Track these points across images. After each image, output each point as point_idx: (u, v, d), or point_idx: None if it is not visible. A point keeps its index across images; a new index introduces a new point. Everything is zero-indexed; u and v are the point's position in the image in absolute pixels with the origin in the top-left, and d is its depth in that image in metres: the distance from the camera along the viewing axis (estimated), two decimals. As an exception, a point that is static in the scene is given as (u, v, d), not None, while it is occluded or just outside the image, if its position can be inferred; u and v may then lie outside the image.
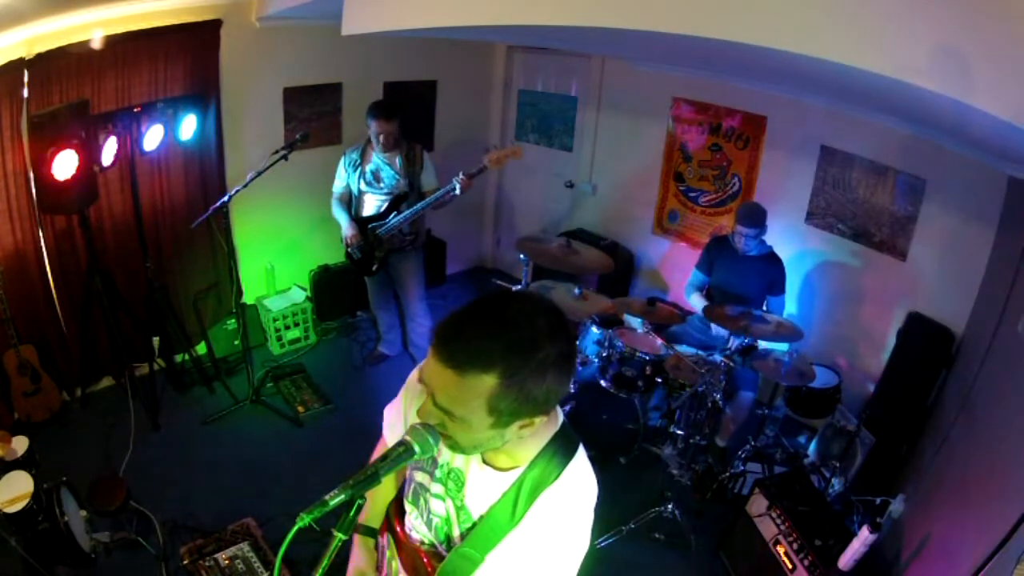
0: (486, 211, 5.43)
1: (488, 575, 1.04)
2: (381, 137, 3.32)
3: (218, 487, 2.92)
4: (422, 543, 1.17)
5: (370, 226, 3.48)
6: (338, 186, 3.56)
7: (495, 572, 1.04)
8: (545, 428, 1.02)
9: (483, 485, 1.06)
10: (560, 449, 1.04)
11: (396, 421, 1.29)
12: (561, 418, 1.08)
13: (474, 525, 1.06)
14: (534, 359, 0.89)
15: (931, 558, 2.06)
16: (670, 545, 2.78)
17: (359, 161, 3.45)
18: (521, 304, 0.92)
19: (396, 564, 1.23)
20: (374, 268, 3.60)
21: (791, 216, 3.58)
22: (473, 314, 0.91)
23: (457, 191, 3.27)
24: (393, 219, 3.43)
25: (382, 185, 3.45)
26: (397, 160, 3.42)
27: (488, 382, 0.87)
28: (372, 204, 3.49)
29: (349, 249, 3.57)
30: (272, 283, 4.22)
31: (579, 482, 1.04)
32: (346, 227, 3.50)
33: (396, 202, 3.44)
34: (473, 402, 0.89)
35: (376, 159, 3.42)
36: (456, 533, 1.10)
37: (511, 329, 0.89)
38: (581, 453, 1.07)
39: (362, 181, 3.45)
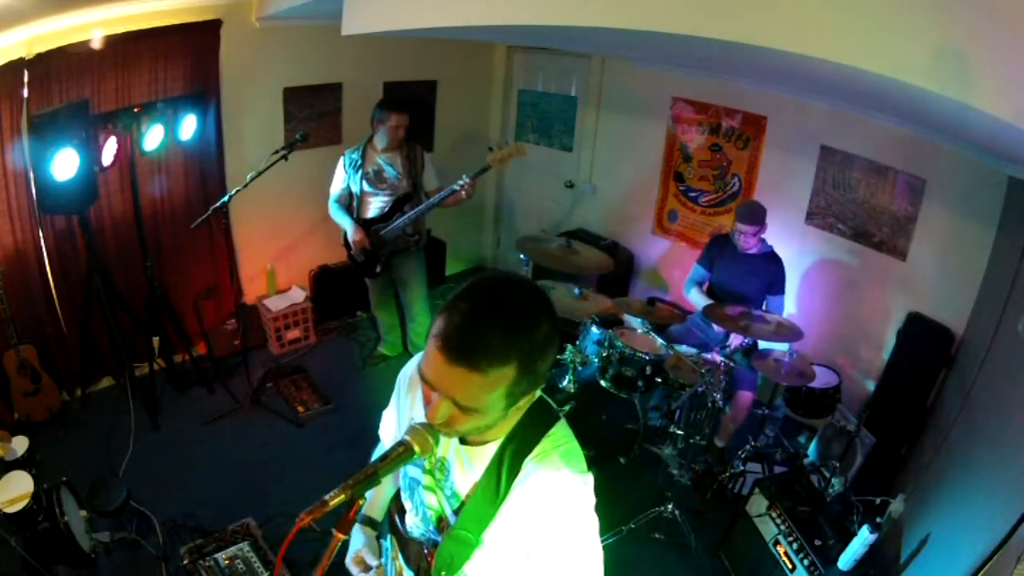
0: (486, 211, 5.43)
1: (492, 554, 1.03)
2: (400, 131, 3.31)
3: (218, 487, 2.93)
4: (422, 537, 1.17)
5: (374, 228, 3.45)
6: (337, 188, 3.51)
7: (499, 550, 1.03)
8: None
9: (466, 466, 1.06)
10: (537, 418, 1.05)
11: (391, 420, 1.29)
12: (538, 391, 1.07)
13: (462, 505, 1.06)
14: (538, 338, 0.91)
15: (931, 558, 2.06)
16: (670, 545, 2.78)
17: (360, 161, 3.40)
18: (511, 287, 0.94)
19: (399, 562, 1.23)
20: (377, 270, 3.57)
21: (791, 216, 3.58)
22: (475, 310, 0.90)
23: (462, 195, 3.26)
24: (397, 220, 3.41)
25: (384, 186, 3.42)
26: (399, 160, 3.40)
27: (508, 373, 0.89)
28: (375, 205, 3.46)
29: (353, 252, 3.53)
30: (272, 283, 4.22)
31: (560, 447, 1.04)
32: (352, 231, 3.43)
33: (400, 203, 3.42)
34: (494, 393, 0.91)
35: (378, 159, 3.39)
36: (448, 517, 1.10)
37: (515, 316, 0.91)
38: (561, 423, 1.07)
39: (364, 182, 3.41)
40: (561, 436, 1.06)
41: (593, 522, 1.03)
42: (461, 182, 3.23)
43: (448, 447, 1.09)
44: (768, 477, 2.87)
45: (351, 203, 3.52)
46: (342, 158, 3.48)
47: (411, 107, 3.39)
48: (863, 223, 3.34)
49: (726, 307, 2.95)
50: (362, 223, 3.46)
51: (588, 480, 1.03)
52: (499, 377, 0.89)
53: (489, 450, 1.04)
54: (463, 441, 1.06)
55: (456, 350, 0.88)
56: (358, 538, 1.30)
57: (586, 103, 4.54)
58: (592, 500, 1.03)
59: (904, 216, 3.16)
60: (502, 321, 0.89)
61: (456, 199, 3.31)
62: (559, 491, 1.01)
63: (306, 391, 3.71)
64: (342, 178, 3.48)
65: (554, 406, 1.10)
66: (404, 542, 1.22)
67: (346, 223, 3.46)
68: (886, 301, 3.32)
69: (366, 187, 3.43)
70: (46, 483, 2.28)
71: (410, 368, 1.22)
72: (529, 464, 1.01)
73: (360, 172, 3.41)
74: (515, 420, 1.04)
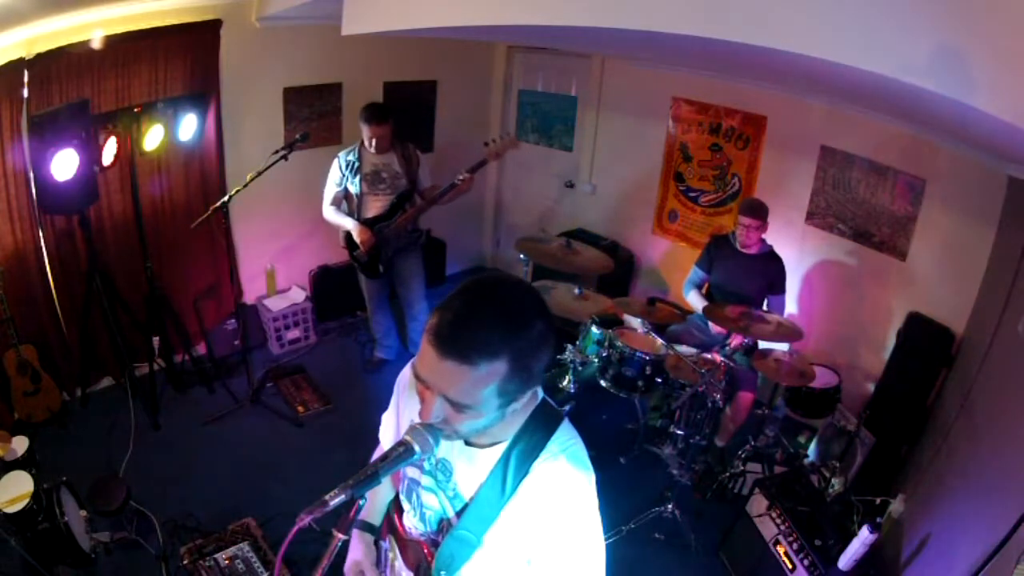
0: (486, 211, 5.43)
1: (492, 556, 1.03)
2: (374, 141, 3.32)
3: (218, 487, 2.93)
4: (422, 536, 1.17)
5: (377, 227, 3.44)
6: (332, 190, 3.47)
7: (499, 552, 1.03)
8: (527, 402, 1.03)
9: (470, 467, 1.07)
10: (543, 420, 1.06)
11: (390, 421, 1.29)
12: (540, 393, 1.09)
13: (466, 506, 1.06)
14: (532, 335, 0.92)
15: (931, 558, 2.06)
16: (670, 545, 2.78)
17: (357, 163, 3.40)
18: (506, 286, 0.95)
19: (399, 563, 1.23)
20: (381, 270, 3.57)
21: (791, 216, 3.58)
22: (468, 305, 0.91)
23: (463, 189, 3.34)
24: (400, 218, 3.44)
25: (384, 185, 3.43)
26: (395, 159, 3.42)
27: (499, 368, 0.90)
28: (377, 205, 3.45)
29: (356, 252, 3.51)
30: (272, 283, 4.22)
31: (568, 449, 1.05)
32: (357, 231, 3.40)
33: (401, 201, 3.44)
34: (486, 390, 0.91)
35: (374, 160, 3.41)
36: (451, 518, 1.10)
37: (508, 312, 0.92)
38: (566, 423, 1.08)
39: (364, 183, 3.41)
40: (567, 437, 1.06)
41: (597, 523, 1.04)
42: (461, 177, 3.30)
43: (451, 448, 1.08)
44: (768, 477, 2.87)
45: (349, 205, 3.51)
46: (336, 160, 3.45)
47: (392, 113, 3.39)
48: (863, 223, 3.34)
49: (726, 307, 2.95)
50: (364, 223, 3.45)
51: (592, 479, 1.04)
52: (490, 372, 0.89)
53: (495, 452, 1.04)
54: (468, 443, 1.06)
55: (447, 343, 0.89)
56: (357, 548, 1.29)
57: (586, 103, 4.54)
58: (595, 501, 1.04)
59: (904, 216, 3.16)
60: (494, 316, 0.90)
61: (457, 193, 3.36)
62: (566, 494, 1.01)
63: (306, 391, 3.71)
64: (337, 180, 3.46)
65: (555, 406, 1.10)
66: (403, 543, 1.21)
67: (349, 223, 3.44)
68: (886, 301, 3.31)
69: (366, 189, 3.43)
70: (46, 483, 2.28)
71: (408, 370, 1.22)
72: (537, 466, 1.02)
73: (359, 174, 3.40)
74: (519, 422, 1.04)
